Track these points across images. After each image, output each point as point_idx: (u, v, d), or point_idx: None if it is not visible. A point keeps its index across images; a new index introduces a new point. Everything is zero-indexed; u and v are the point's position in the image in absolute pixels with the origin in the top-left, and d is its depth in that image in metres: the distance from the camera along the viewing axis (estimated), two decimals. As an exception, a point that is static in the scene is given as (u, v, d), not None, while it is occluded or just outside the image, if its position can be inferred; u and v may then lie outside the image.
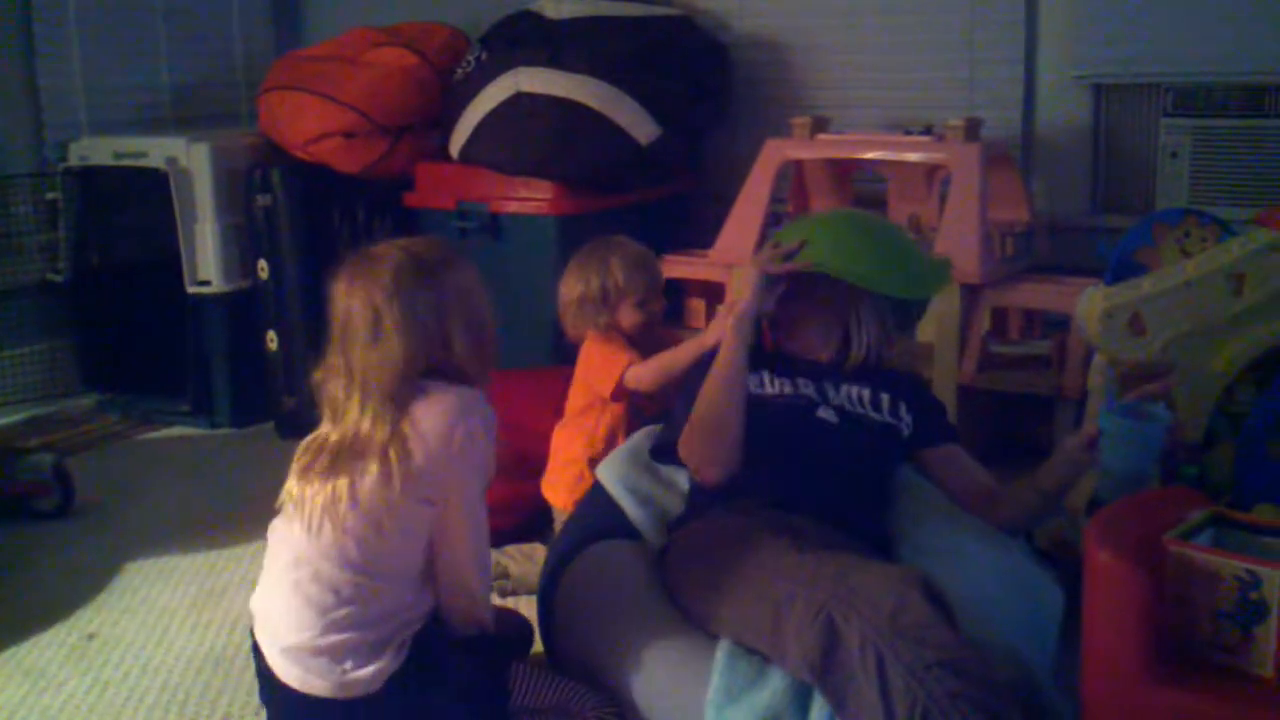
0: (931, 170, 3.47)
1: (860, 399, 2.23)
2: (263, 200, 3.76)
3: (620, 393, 2.60)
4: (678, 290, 3.45)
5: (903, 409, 2.25)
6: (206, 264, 3.87)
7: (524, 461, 2.76)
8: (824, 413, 2.20)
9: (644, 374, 2.56)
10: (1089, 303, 2.54)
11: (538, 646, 2.19)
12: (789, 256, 2.19)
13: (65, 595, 2.75)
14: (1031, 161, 3.57)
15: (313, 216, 3.77)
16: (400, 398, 1.83)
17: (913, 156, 3.31)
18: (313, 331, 3.72)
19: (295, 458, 1.90)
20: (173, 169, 3.82)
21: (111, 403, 4.13)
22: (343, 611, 1.82)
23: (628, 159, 3.56)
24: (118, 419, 4.06)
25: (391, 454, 1.81)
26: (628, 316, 2.64)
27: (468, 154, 3.65)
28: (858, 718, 1.65)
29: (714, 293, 3.48)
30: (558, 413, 2.78)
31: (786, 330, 2.32)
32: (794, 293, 2.25)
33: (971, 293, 3.05)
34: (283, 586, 1.86)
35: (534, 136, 3.50)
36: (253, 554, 2.92)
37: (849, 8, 3.79)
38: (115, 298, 4.09)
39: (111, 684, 2.38)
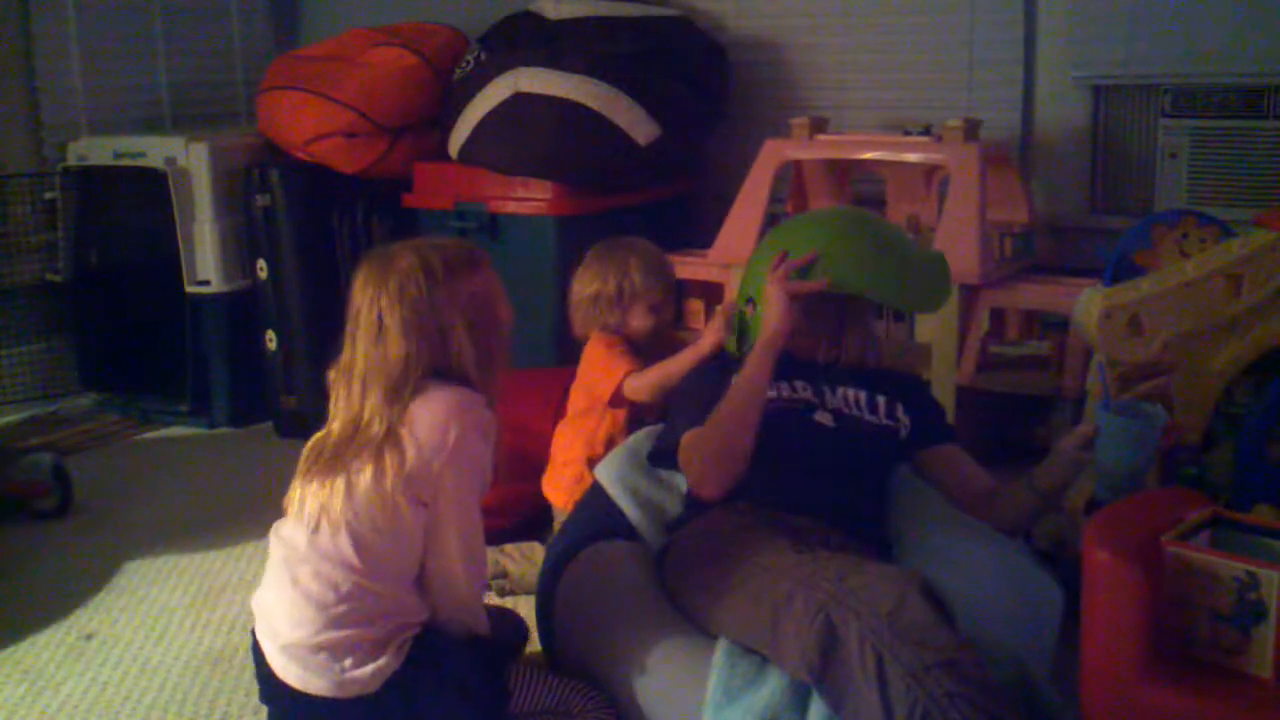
0: (930, 171, 3.47)
1: (857, 401, 2.23)
2: (262, 200, 3.76)
3: (618, 400, 2.60)
4: (677, 290, 3.44)
5: (900, 410, 2.25)
6: (205, 264, 3.87)
7: (524, 461, 2.76)
8: (821, 416, 2.20)
9: (641, 385, 2.55)
10: (1088, 303, 2.54)
11: (535, 646, 2.19)
12: (804, 271, 2.17)
13: (64, 595, 2.75)
14: (1030, 162, 3.56)
15: (312, 216, 3.77)
16: (400, 396, 1.83)
17: (912, 157, 3.31)
18: (312, 331, 3.75)
19: (301, 458, 1.90)
20: (171, 169, 3.82)
21: (110, 402, 4.13)
22: (342, 608, 1.82)
23: (627, 159, 3.55)
24: (116, 419, 4.06)
25: (386, 452, 1.81)
26: (639, 319, 2.63)
27: (467, 154, 3.65)
28: (856, 718, 1.65)
29: (713, 293, 3.48)
30: (559, 414, 2.78)
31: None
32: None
33: (970, 293, 3.05)
34: (283, 583, 1.87)
35: (533, 137, 3.50)
36: (251, 554, 2.92)
37: (848, 8, 3.78)
38: (114, 297, 4.09)
39: (110, 684, 2.38)
